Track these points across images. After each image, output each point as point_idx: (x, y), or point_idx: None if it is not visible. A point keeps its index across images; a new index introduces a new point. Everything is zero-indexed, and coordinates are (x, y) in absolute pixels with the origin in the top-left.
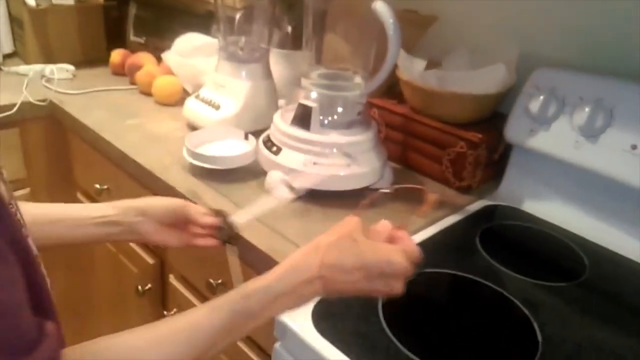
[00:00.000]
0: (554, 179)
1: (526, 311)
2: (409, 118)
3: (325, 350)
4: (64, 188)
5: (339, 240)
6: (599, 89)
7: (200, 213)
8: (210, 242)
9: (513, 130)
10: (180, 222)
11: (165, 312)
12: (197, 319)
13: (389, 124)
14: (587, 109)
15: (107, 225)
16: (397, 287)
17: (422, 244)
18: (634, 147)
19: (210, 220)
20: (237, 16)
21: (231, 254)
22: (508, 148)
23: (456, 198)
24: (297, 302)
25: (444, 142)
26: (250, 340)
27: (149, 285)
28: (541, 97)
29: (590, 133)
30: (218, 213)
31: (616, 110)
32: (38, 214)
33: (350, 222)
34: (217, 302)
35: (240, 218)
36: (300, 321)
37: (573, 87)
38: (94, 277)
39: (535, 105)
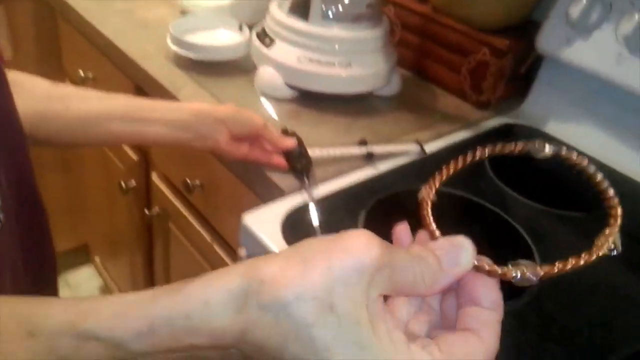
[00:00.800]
0: (587, 99)
1: (528, 239)
2: (429, 18)
3: None
4: (52, 74)
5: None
6: None
7: (276, 133)
8: (282, 162)
9: (547, 39)
10: (252, 136)
11: (146, 211)
12: None
13: (406, 25)
14: (637, 17)
15: (180, 129)
16: None
17: (422, 159)
18: None
19: (288, 142)
20: None
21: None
22: (537, 62)
23: (471, 113)
24: None
25: (465, 47)
26: (220, 237)
27: (134, 183)
28: (583, 1)
29: (638, 46)
30: (293, 135)
31: None
32: (104, 110)
33: (359, 249)
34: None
35: (313, 152)
36: (268, 229)
37: None
38: (84, 175)
39: (576, 10)
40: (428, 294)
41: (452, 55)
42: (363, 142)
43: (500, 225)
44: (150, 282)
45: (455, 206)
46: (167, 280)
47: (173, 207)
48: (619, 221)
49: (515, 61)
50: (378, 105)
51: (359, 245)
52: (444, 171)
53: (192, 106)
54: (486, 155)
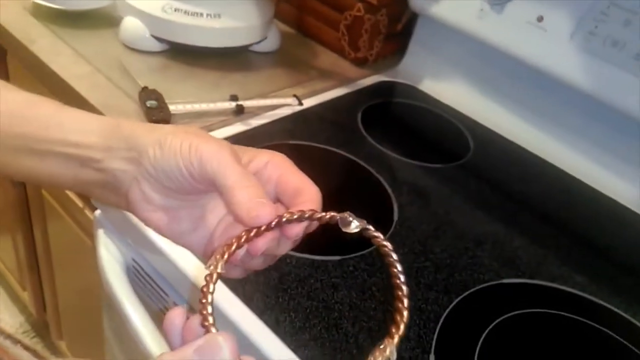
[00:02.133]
0: (456, 55)
1: (389, 189)
2: None
3: None
4: None
5: None
6: None
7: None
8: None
9: None
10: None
11: None
12: None
13: None
14: None
15: (79, 162)
16: None
17: (295, 115)
18: (540, 18)
19: (263, 217)
20: None
21: None
22: (414, 20)
23: (349, 70)
24: None
25: (342, 3)
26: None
27: None
28: None
29: (496, 0)
30: (153, 93)
31: None
32: None
33: None
34: None
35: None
36: None
37: None
38: None
39: None
40: None
41: (331, 11)
42: (234, 97)
43: (363, 176)
44: (34, 257)
45: (319, 159)
46: (48, 256)
47: None
48: (401, 332)
49: (391, 18)
50: (254, 61)
51: None
52: (237, 240)
53: (111, 124)
54: (283, 221)
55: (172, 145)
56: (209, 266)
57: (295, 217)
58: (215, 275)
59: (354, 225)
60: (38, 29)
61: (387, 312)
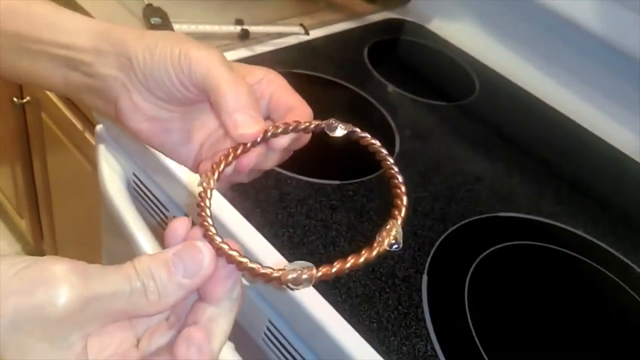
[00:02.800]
0: None
1: (392, 122)
2: None
3: None
4: None
5: None
6: None
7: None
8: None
9: None
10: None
11: (15, 100)
12: None
13: None
14: None
15: (68, 64)
16: None
17: (301, 45)
18: None
19: (251, 129)
20: None
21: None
22: None
23: (359, 5)
24: None
25: None
26: (90, 124)
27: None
28: None
29: None
30: (158, 12)
31: None
32: None
33: (44, 294)
34: None
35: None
36: None
37: None
38: None
39: None
40: (156, 312)
41: None
42: (239, 22)
43: (367, 109)
44: (32, 184)
45: (324, 91)
46: (46, 183)
47: (43, 95)
48: (402, 214)
49: None
50: None
51: (45, 284)
52: (225, 158)
53: (103, 27)
54: (270, 136)
55: (162, 50)
56: (201, 183)
57: (280, 130)
58: (209, 192)
59: (340, 129)
60: None
61: None
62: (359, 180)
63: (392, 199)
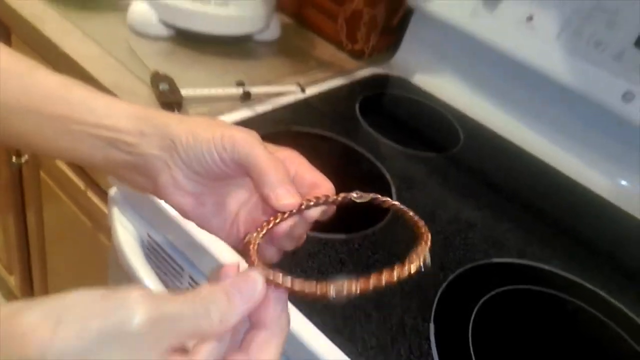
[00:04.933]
0: (449, 51)
1: (387, 175)
2: None
3: None
4: None
5: None
6: None
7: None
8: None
9: None
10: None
11: (14, 159)
12: None
13: None
14: None
15: (110, 144)
16: None
17: (298, 103)
18: (529, 18)
19: (290, 200)
20: None
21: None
22: (408, 15)
23: (347, 62)
24: None
25: None
26: (94, 183)
27: None
28: None
29: (490, 0)
30: (165, 79)
31: None
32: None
33: (120, 312)
34: None
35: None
36: None
37: None
38: None
39: None
40: (218, 333)
41: (330, 3)
42: (240, 83)
43: (363, 163)
44: (24, 239)
45: (322, 146)
46: (41, 238)
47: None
48: (429, 244)
49: (388, 12)
50: (257, 50)
51: (121, 308)
52: (267, 224)
53: (142, 111)
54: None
55: (204, 134)
56: (248, 238)
57: (312, 203)
58: (256, 244)
59: (364, 198)
60: (45, 10)
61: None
62: (363, 232)
63: (417, 235)
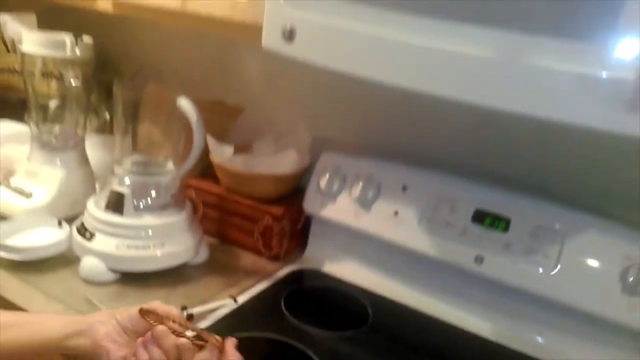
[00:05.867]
0: (345, 244)
1: (315, 358)
2: (223, 197)
3: None
4: None
5: None
6: (368, 167)
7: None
8: None
9: (309, 204)
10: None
11: None
12: None
13: (206, 202)
14: (361, 184)
15: (73, 338)
16: None
17: (233, 313)
18: (396, 213)
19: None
20: (51, 104)
21: None
22: (309, 221)
23: (267, 266)
24: None
25: (254, 216)
26: None
27: None
28: (327, 175)
29: (365, 204)
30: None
31: (382, 183)
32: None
33: None
34: None
35: None
36: None
37: (351, 166)
38: None
39: (323, 182)
40: None
41: (246, 222)
42: (184, 308)
43: (294, 353)
44: None
45: (256, 346)
46: None
47: None
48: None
49: (293, 221)
50: (191, 273)
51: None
52: None
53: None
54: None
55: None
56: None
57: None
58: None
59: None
60: (10, 281)
61: None
62: None
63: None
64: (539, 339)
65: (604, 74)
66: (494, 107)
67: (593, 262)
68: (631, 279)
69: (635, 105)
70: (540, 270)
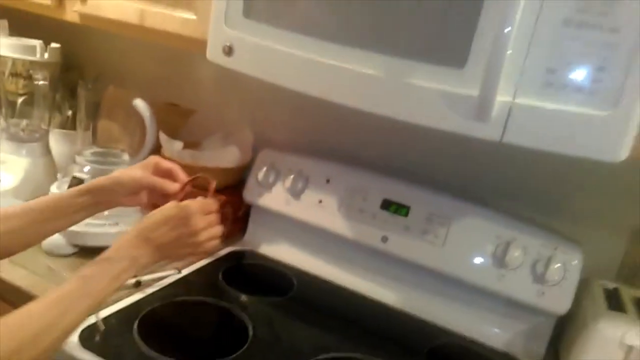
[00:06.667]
0: (279, 227)
1: (246, 318)
2: None
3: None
4: None
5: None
6: (299, 163)
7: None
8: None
9: (249, 193)
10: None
11: None
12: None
13: None
14: (291, 177)
15: (85, 209)
16: (201, 229)
17: (177, 281)
18: (320, 201)
19: (171, 186)
20: (19, 101)
21: None
22: (249, 208)
23: None
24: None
25: None
26: None
27: None
28: (264, 169)
29: (295, 193)
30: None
31: (310, 177)
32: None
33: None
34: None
35: None
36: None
37: (284, 162)
38: None
39: (261, 175)
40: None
41: None
42: (134, 276)
43: (227, 314)
44: None
45: (197, 308)
46: None
47: None
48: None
49: (235, 208)
50: None
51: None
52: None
53: (86, 188)
54: None
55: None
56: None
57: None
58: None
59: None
60: None
61: None
62: None
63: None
64: (431, 305)
65: (460, 92)
66: (383, 114)
67: (472, 241)
68: (499, 254)
69: (479, 115)
70: (432, 248)
